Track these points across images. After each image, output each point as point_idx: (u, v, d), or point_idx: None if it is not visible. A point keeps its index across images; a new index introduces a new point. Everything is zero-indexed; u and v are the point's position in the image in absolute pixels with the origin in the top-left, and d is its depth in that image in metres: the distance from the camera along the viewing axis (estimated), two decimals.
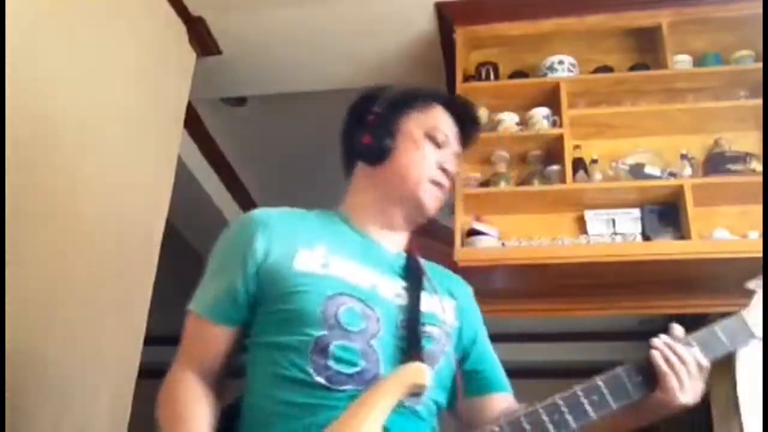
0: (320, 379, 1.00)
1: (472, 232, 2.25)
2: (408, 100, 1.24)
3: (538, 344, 5.09)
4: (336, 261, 1.10)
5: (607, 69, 2.50)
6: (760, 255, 1.99)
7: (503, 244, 2.27)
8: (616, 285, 2.30)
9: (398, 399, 1.00)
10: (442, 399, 1.13)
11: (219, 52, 2.75)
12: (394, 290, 1.12)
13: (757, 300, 1.11)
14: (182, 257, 3.53)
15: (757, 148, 2.28)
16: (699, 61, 2.45)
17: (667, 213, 2.25)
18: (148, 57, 2.37)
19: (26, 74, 1.73)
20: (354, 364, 1.02)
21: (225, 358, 1.10)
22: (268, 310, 1.07)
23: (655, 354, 1.04)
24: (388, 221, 1.20)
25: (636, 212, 2.28)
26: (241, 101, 3.27)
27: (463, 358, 1.20)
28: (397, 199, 1.20)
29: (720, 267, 2.12)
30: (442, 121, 1.23)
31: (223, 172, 3.63)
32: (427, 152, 1.20)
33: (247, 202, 3.96)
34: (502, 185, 2.36)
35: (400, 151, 1.19)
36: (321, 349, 1.01)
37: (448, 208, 2.48)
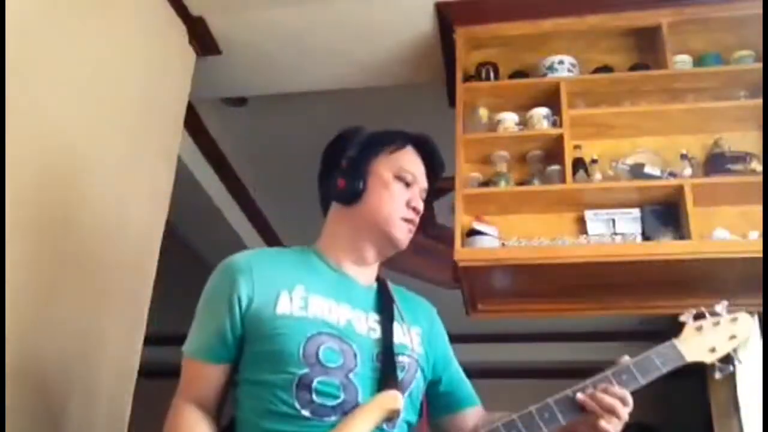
0: (306, 412, 1.12)
1: (472, 232, 2.25)
2: (378, 143, 1.34)
3: (538, 344, 5.10)
4: (314, 300, 1.21)
5: (607, 69, 2.49)
6: (760, 255, 2.00)
7: (503, 244, 2.27)
8: (616, 285, 2.30)
9: (376, 423, 1.12)
10: (413, 419, 1.27)
11: (219, 52, 2.74)
12: (368, 324, 1.24)
13: (689, 331, 1.27)
14: (182, 257, 3.54)
15: (757, 148, 2.28)
16: (699, 61, 2.45)
17: (667, 213, 2.25)
18: (148, 57, 2.37)
19: (25, 74, 1.73)
20: (335, 397, 1.14)
21: (220, 391, 1.23)
22: (253, 350, 1.19)
23: (588, 403, 1.15)
24: (360, 256, 1.31)
25: (636, 212, 2.29)
26: (241, 101, 3.27)
27: (434, 382, 1.35)
28: (369, 236, 1.30)
29: (720, 267, 2.12)
30: (410, 161, 1.33)
31: (223, 172, 3.62)
32: (396, 192, 1.30)
33: (247, 203, 3.96)
34: (502, 185, 2.35)
35: (370, 192, 1.30)
36: (305, 385, 1.13)
37: (448, 208, 2.48)
